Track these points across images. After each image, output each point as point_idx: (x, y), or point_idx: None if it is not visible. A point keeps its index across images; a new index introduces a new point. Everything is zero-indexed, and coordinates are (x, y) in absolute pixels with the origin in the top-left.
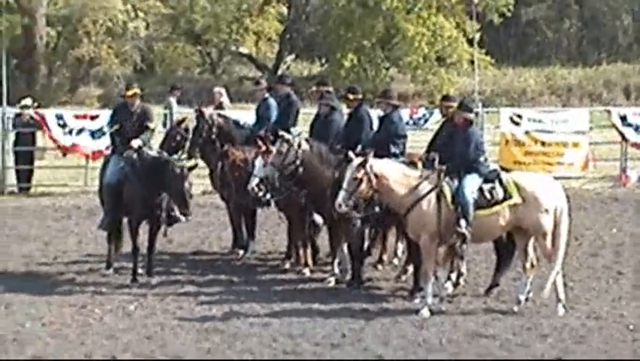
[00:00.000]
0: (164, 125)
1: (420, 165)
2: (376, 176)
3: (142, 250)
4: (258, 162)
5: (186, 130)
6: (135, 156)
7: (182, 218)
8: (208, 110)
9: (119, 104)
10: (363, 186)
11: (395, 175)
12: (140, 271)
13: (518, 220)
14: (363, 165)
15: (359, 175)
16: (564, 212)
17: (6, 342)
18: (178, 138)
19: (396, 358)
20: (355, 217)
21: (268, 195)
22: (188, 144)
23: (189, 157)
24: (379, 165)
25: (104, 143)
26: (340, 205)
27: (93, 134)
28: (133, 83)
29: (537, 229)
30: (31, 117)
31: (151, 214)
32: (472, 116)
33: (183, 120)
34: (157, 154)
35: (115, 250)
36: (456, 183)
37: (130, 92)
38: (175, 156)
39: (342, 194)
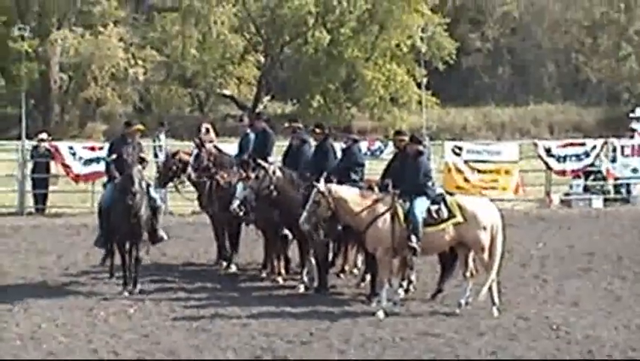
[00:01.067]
0: (155, 155)
1: (376, 189)
2: (335, 199)
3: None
4: (239, 186)
5: (180, 160)
6: (123, 182)
7: (165, 237)
8: (207, 142)
9: (118, 137)
10: (322, 207)
11: (352, 197)
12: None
13: (460, 236)
14: (321, 190)
15: (318, 198)
16: (499, 229)
17: (25, 340)
18: (174, 168)
19: (357, 354)
20: (317, 235)
21: (248, 215)
22: (189, 169)
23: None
24: (338, 190)
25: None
26: (302, 223)
27: (98, 162)
28: (133, 120)
29: (476, 243)
30: (47, 149)
31: (131, 234)
32: (421, 147)
33: (177, 153)
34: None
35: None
36: (408, 204)
37: (135, 128)
38: (172, 183)
39: (304, 214)
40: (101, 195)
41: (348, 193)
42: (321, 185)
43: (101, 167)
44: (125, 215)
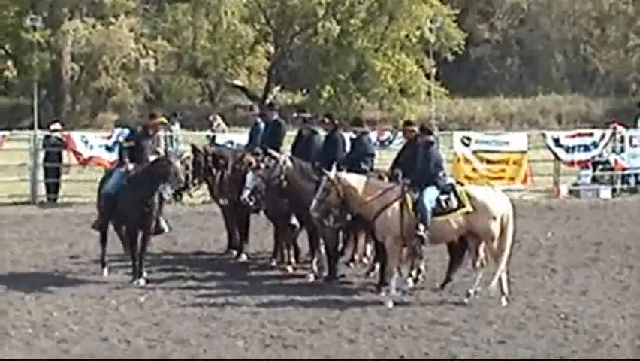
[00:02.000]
0: (167, 146)
1: (386, 179)
2: (345, 187)
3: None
4: (250, 175)
5: (186, 167)
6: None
7: (166, 229)
8: (200, 145)
9: (140, 127)
10: (332, 195)
11: (362, 186)
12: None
13: (470, 226)
14: (331, 178)
15: (328, 186)
16: (510, 219)
17: (37, 327)
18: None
19: (366, 342)
20: (327, 222)
21: (258, 204)
22: (190, 175)
23: (192, 184)
24: (348, 178)
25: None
26: (312, 211)
27: (108, 149)
28: (155, 111)
29: (486, 233)
30: (58, 138)
31: (143, 222)
32: (432, 138)
33: (183, 159)
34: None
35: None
36: (417, 194)
37: (158, 120)
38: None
39: (314, 202)
40: (102, 178)
41: (357, 182)
42: (331, 173)
43: (107, 153)
44: (140, 204)
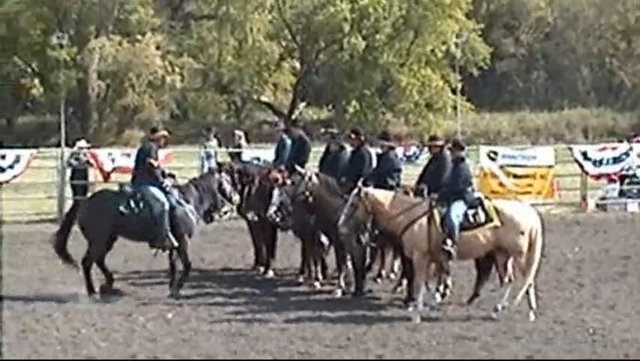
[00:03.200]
0: (203, 162)
1: (412, 194)
2: (373, 202)
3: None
4: (276, 192)
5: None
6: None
7: (175, 243)
8: (225, 163)
9: (154, 145)
10: (360, 211)
11: (390, 201)
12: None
13: (498, 241)
14: (359, 193)
15: (356, 202)
16: (538, 234)
17: (65, 344)
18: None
19: (393, 358)
20: (357, 239)
21: (284, 221)
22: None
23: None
24: (375, 194)
25: None
26: (340, 226)
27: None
28: (159, 126)
29: (514, 248)
30: (84, 155)
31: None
32: (463, 153)
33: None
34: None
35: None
36: (444, 209)
37: (160, 134)
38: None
39: (342, 218)
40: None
41: (385, 197)
42: (359, 188)
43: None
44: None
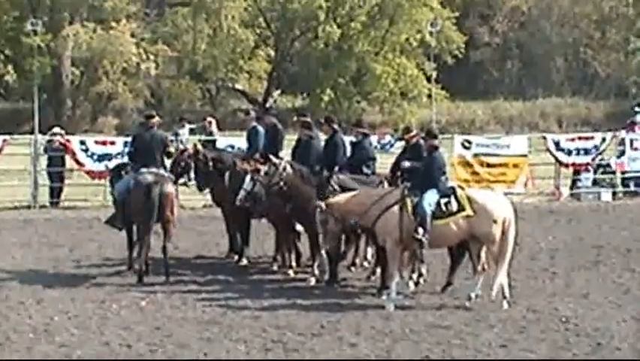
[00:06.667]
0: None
1: (386, 183)
2: (340, 211)
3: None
4: (248, 178)
5: (188, 157)
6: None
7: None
8: (201, 150)
9: (143, 131)
10: (331, 223)
11: (356, 200)
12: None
13: (471, 229)
14: (323, 209)
15: (324, 217)
16: (511, 223)
17: (38, 332)
18: (182, 164)
19: (367, 346)
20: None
21: (254, 208)
22: (192, 174)
23: (199, 189)
24: (340, 203)
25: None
26: (323, 246)
27: (111, 159)
28: (149, 112)
29: (487, 237)
30: (61, 143)
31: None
32: (436, 142)
33: (185, 150)
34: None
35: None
36: (417, 197)
37: (155, 120)
38: (181, 180)
39: (321, 238)
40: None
41: (350, 201)
42: (322, 205)
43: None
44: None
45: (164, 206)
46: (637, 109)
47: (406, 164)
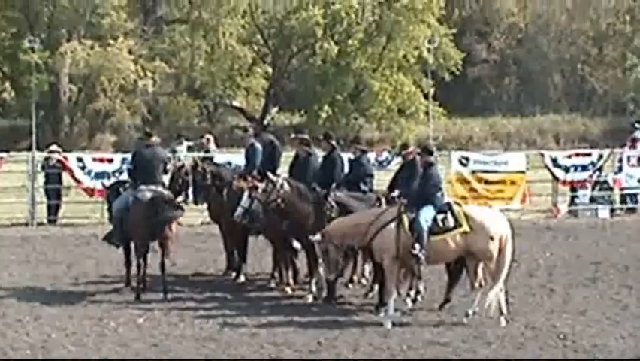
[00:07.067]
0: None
1: (384, 201)
2: (338, 237)
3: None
4: (245, 195)
5: (186, 173)
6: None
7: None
8: (200, 163)
9: (144, 148)
10: (332, 251)
11: (354, 223)
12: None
13: (468, 246)
14: (319, 240)
15: (324, 247)
16: (508, 239)
17: (35, 349)
18: (180, 181)
19: None
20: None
21: (252, 224)
22: (190, 190)
23: (195, 203)
24: (335, 229)
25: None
26: (328, 275)
27: (109, 176)
28: (147, 129)
29: (484, 253)
30: (58, 160)
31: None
32: (432, 158)
33: (183, 166)
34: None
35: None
36: (413, 214)
37: (154, 138)
38: (180, 198)
39: (323, 267)
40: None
41: (347, 225)
42: (317, 237)
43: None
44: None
45: (163, 224)
46: (638, 125)
47: (395, 193)
